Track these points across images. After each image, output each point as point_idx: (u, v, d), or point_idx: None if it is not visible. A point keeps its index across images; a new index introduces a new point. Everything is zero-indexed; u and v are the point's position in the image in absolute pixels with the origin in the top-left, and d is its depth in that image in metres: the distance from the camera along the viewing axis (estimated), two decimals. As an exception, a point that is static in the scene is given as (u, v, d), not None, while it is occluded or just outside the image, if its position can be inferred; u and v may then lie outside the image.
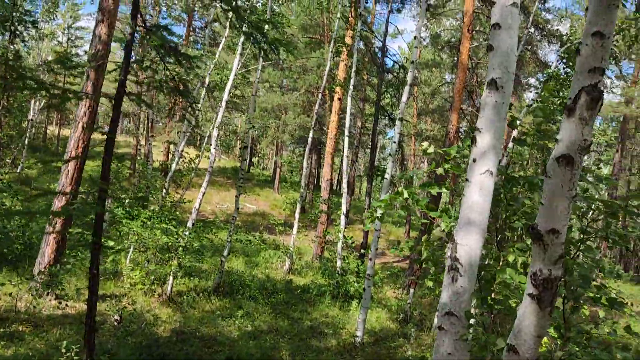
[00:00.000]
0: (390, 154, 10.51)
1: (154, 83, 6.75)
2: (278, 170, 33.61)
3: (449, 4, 21.09)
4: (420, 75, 29.64)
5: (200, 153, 18.97)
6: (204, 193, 13.22)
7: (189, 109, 7.23)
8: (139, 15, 5.94)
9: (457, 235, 3.76)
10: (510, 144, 8.60)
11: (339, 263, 14.09)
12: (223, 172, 38.15)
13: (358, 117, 30.10)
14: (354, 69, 13.47)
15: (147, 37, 5.96)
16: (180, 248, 10.55)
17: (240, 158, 12.94)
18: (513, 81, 3.91)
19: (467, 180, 3.81)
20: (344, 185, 13.63)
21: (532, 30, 14.98)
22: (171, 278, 10.70)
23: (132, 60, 6.13)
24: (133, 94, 6.21)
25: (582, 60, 2.52)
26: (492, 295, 4.12)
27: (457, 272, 3.70)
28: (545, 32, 16.43)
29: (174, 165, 15.75)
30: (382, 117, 17.79)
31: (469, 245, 3.71)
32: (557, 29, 16.38)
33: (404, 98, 10.31)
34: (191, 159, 18.70)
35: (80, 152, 9.11)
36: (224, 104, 13.39)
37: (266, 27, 12.45)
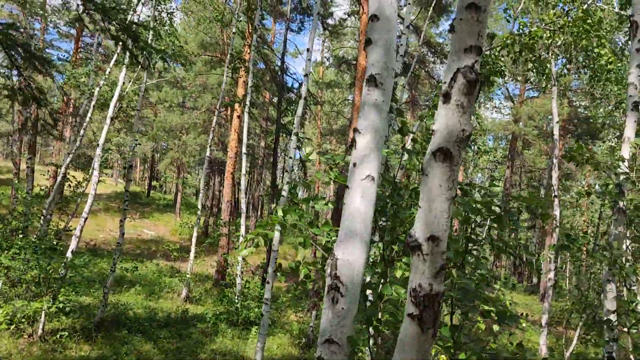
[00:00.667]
0: (286, 171, 10.08)
1: (3, 90, 5.83)
2: (179, 193, 32.10)
3: (347, 22, 21.40)
4: (323, 95, 29.85)
5: (87, 176, 17.48)
6: (86, 219, 11.99)
7: (49, 121, 6.34)
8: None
9: (337, 249, 3.30)
10: (406, 156, 8.50)
11: (238, 288, 13.32)
12: (120, 197, 35.88)
13: (262, 137, 29.60)
14: (250, 84, 12.96)
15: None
16: (53, 280, 9.31)
17: (126, 179, 11.86)
18: (393, 78, 3.60)
19: (347, 187, 3.40)
20: (242, 205, 12.92)
21: (424, 49, 15.44)
22: (43, 315, 9.40)
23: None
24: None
25: (457, 38, 2.17)
26: (380, 316, 3.71)
27: (338, 292, 3.23)
28: (437, 52, 17.03)
29: (54, 190, 14.23)
30: (284, 135, 17.42)
31: (350, 260, 3.27)
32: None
33: (298, 112, 9.95)
34: (78, 182, 17.20)
35: None
36: (108, 120, 12.30)
37: (149, 35, 11.68)
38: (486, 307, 3.62)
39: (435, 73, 19.50)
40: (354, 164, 3.39)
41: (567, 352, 14.51)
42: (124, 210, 11.73)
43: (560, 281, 25.36)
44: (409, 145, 9.38)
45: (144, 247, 23.53)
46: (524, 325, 15.56)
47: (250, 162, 29.17)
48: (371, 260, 4.09)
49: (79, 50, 29.52)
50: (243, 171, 13.08)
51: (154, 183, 41.29)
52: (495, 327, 6.55)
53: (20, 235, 11.88)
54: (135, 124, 11.67)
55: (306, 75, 10.16)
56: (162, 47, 15.15)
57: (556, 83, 11.39)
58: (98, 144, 12.77)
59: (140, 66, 9.40)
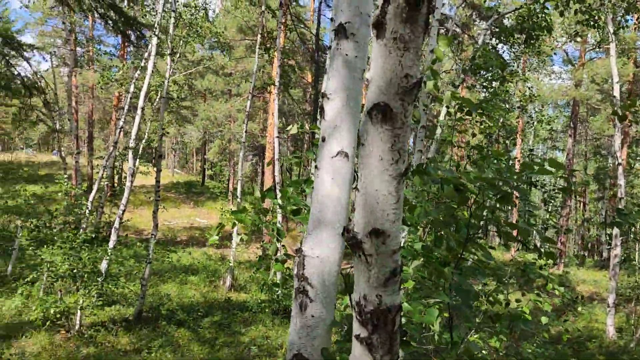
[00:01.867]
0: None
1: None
2: (231, 180, 32.27)
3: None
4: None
5: (141, 167, 17.60)
6: (123, 211, 11.96)
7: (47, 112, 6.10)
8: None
9: (305, 243, 2.69)
10: (438, 131, 7.67)
11: (279, 276, 12.95)
12: (175, 188, 36.56)
13: (306, 120, 29.07)
14: (278, 64, 12.41)
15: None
16: (87, 275, 9.24)
17: (156, 169, 11.63)
18: (370, 27, 2.90)
19: (315, 167, 2.77)
20: (277, 192, 12.37)
21: (468, 11, 14.24)
22: (79, 310, 9.37)
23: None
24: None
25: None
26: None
27: (306, 297, 2.61)
28: (477, 8, 15.69)
29: (97, 182, 14.36)
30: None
31: (321, 256, 2.65)
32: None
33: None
34: (127, 173, 17.40)
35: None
36: (139, 111, 12.17)
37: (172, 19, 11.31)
38: (500, 310, 2.92)
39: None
40: (323, 138, 2.74)
41: (637, 332, 13.22)
42: (156, 201, 11.58)
43: (633, 253, 23.44)
44: (442, 117, 8.54)
45: (197, 234, 23.77)
46: (579, 309, 14.37)
47: (294, 145, 28.75)
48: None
49: (125, 44, 30.01)
50: (275, 155, 12.62)
51: (208, 172, 41.84)
52: (544, 320, 5.71)
53: (74, 230, 12.03)
54: (162, 110, 11.40)
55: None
56: (195, 34, 14.85)
57: (614, 38, 10.07)
58: (133, 136, 12.70)
59: (150, 50, 9.02)
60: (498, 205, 2.41)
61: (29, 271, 11.08)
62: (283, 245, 13.23)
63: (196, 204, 31.70)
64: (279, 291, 12.46)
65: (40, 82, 6.04)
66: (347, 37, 2.74)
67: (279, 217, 13.14)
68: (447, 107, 8.62)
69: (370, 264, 1.62)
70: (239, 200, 14.66)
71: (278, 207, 3.30)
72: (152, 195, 32.26)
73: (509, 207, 2.64)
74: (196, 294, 13.47)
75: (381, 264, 1.62)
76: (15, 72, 5.66)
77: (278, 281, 12.02)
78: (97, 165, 26.52)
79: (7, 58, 5.62)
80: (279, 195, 3.52)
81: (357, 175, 3.28)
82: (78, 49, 27.19)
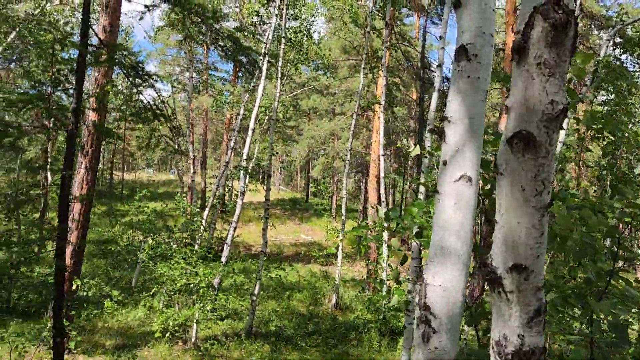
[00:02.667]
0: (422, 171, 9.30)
1: (128, 110, 6.07)
2: (334, 197, 32.67)
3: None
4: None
5: (250, 185, 18.44)
6: (235, 227, 12.52)
7: (171, 136, 6.66)
8: (90, 32, 5.30)
9: (427, 272, 2.61)
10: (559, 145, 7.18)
11: (384, 294, 12.78)
12: (281, 204, 37.73)
13: (411, 137, 28.76)
14: (383, 82, 12.43)
15: (100, 56, 5.29)
16: (202, 289, 9.76)
17: (265, 187, 12.07)
18: (493, 47, 2.79)
19: (436, 191, 2.70)
20: (381, 210, 12.30)
21: (584, 21, 13.30)
22: (195, 323, 9.91)
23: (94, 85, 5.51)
24: (96, 125, 5.57)
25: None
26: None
27: (429, 327, 2.54)
28: (594, 18, 14.58)
29: (210, 200, 15.20)
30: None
31: (444, 285, 2.56)
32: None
33: (432, 106, 9.12)
34: (238, 192, 18.25)
35: (84, 192, 8.63)
36: (250, 132, 12.75)
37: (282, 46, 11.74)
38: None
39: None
40: (444, 162, 2.67)
41: None
42: (265, 219, 11.98)
43: None
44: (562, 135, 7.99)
45: (302, 251, 24.26)
46: None
47: (399, 163, 28.51)
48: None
49: (237, 70, 31.79)
50: (381, 174, 12.58)
51: (312, 189, 42.74)
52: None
53: (189, 245, 12.83)
54: (271, 130, 11.86)
55: (439, 65, 9.30)
56: (302, 57, 15.36)
57: None
58: (244, 156, 13.32)
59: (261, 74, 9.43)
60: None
61: (151, 284, 11.92)
62: (389, 265, 13.09)
63: (301, 220, 32.45)
64: (385, 311, 12.31)
65: (166, 109, 6.52)
66: (470, 59, 2.66)
67: (386, 235, 13.03)
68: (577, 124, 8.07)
69: (510, 301, 1.52)
70: (343, 218, 14.76)
71: (399, 226, 3.25)
72: (260, 211, 33.47)
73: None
74: (303, 311, 13.68)
75: (524, 302, 1.51)
76: (145, 101, 6.19)
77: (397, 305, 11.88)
78: (210, 183, 28.17)
79: (138, 88, 6.13)
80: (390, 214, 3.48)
81: (482, 202, 3.15)
82: (194, 75, 29.29)
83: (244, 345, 10.34)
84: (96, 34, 8.14)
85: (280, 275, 14.11)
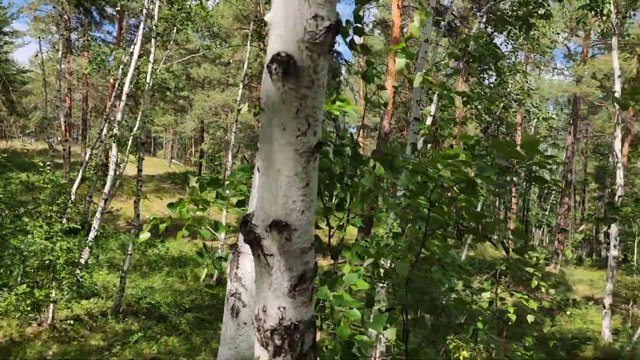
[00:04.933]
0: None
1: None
2: (228, 172, 31.92)
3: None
4: (362, 62, 28.41)
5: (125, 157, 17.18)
6: (106, 200, 11.60)
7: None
8: None
9: (241, 239, 2.33)
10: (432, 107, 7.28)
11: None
12: (172, 178, 36.15)
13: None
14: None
15: None
16: (59, 265, 8.87)
17: (137, 157, 11.28)
18: None
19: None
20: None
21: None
22: (51, 302, 9.01)
23: None
24: None
25: None
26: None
27: (239, 300, 2.26)
28: (478, 2, 15.24)
29: (80, 171, 14.00)
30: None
31: (259, 254, 2.27)
32: None
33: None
34: (116, 163, 17.03)
35: None
36: (123, 97, 11.78)
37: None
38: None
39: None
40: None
41: (635, 334, 12.84)
42: (137, 190, 11.21)
43: (629, 256, 23.06)
44: (432, 108, 8.13)
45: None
46: (569, 313, 13.95)
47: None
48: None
49: (121, 31, 29.52)
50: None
51: (204, 163, 41.41)
52: (530, 318, 5.33)
53: (60, 219, 11.64)
54: (146, 98, 11.04)
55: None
56: (185, 19, 14.41)
57: (616, 30, 9.64)
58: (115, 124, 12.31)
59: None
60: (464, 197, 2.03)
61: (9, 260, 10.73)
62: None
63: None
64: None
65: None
66: None
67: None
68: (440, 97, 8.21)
69: (271, 266, 1.25)
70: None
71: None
72: (151, 185, 31.90)
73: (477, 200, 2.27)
74: (182, 288, 13.13)
75: (286, 267, 1.24)
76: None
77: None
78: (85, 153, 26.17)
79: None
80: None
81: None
82: (73, 35, 26.78)
83: (109, 325, 9.64)
84: None
85: (159, 251, 13.39)
